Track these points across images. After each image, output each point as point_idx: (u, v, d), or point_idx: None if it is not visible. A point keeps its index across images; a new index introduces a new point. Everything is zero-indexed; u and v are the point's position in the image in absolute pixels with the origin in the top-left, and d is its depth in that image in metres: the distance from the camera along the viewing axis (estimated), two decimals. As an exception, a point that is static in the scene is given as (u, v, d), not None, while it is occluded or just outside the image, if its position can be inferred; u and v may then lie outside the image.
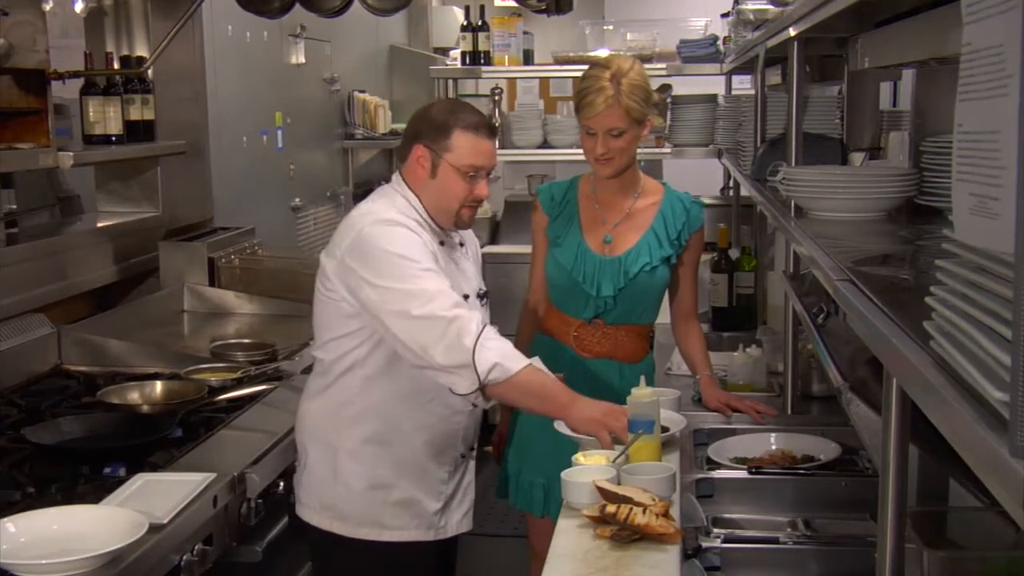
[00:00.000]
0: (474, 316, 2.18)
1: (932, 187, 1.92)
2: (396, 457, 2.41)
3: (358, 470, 2.40)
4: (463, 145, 2.31)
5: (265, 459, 2.51)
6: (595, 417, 2.22)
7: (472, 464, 2.54)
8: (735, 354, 3.07)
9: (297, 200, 5.20)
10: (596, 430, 2.21)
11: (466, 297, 2.35)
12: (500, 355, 2.16)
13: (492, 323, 2.28)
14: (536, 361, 2.26)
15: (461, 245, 2.48)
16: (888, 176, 2.01)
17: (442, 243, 2.38)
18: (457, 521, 2.52)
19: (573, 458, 2.18)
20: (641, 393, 2.21)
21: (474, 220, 2.45)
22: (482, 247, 2.75)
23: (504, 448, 2.87)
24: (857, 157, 2.58)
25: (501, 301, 2.87)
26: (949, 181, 0.84)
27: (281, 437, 2.63)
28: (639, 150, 2.72)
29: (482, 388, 2.17)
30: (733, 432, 2.58)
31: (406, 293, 2.17)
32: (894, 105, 3.76)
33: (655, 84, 2.91)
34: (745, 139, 3.41)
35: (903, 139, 2.39)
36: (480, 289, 2.48)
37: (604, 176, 2.64)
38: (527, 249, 2.98)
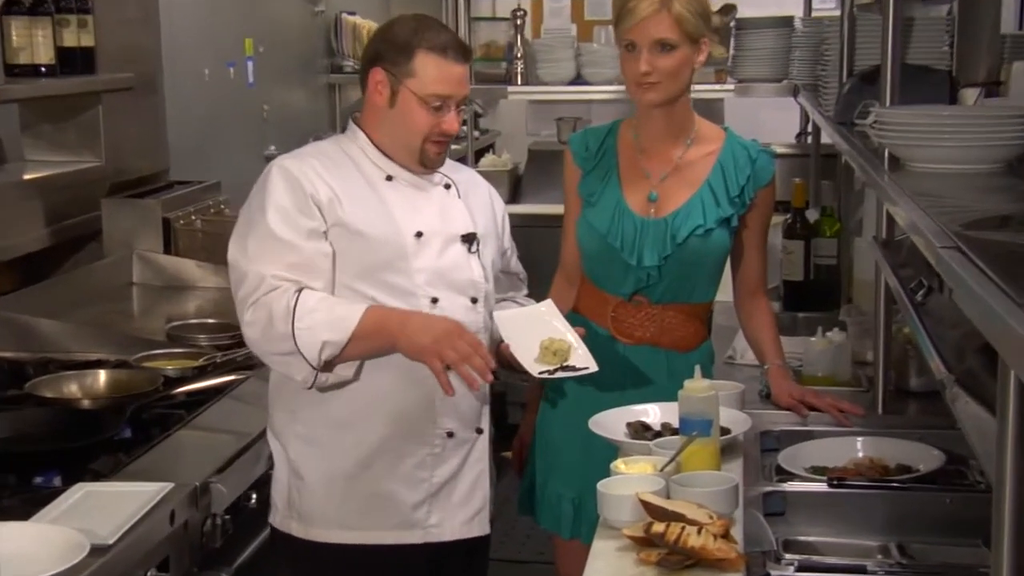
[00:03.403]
0: (284, 292, 2.35)
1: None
2: (357, 440, 2.48)
3: (314, 458, 2.49)
4: (427, 70, 2.40)
5: (234, 466, 2.53)
6: (423, 343, 2.32)
7: (480, 449, 2.58)
8: (813, 339, 3.06)
9: (272, 148, 5.21)
10: (427, 359, 2.32)
11: (419, 235, 2.46)
12: (327, 327, 2.33)
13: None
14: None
15: (447, 188, 2.56)
16: (1008, 118, 2.01)
17: (389, 178, 2.49)
18: (462, 522, 2.55)
19: (611, 465, 2.19)
20: (696, 387, 2.22)
21: (445, 158, 2.53)
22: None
23: (527, 455, 2.90)
24: (970, 94, 2.59)
25: (534, 276, 2.93)
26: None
27: (253, 439, 2.65)
28: (694, 87, 2.73)
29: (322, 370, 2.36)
30: (810, 435, 2.59)
31: (230, 265, 2.42)
32: (1020, 27, 3.69)
33: (716, 3, 2.88)
34: (828, 73, 3.40)
35: (1029, 71, 2.40)
36: (469, 231, 2.55)
37: (646, 103, 2.64)
38: (555, 209, 2.99)
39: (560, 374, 2.47)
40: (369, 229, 2.45)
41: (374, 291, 2.45)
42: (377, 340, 2.38)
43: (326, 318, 2.35)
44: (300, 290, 2.37)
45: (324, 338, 2.34)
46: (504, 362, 2.56)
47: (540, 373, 2.47)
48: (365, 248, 2.45)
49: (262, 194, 2.44)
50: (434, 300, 2.48)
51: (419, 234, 2.48)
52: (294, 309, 2.34)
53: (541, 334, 2.51)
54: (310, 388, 2.42)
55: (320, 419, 2.49)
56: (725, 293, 2.86)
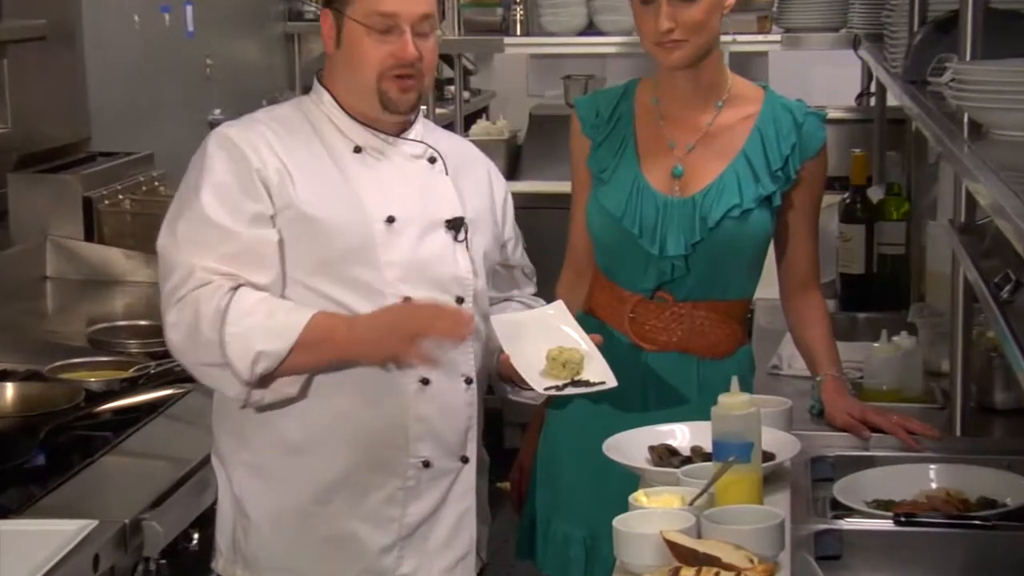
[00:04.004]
0: (216, 289, 2.37)
1: None
2: (312, 469, 2.50)
3: (261, 492, 2.51)
4: None
5: (171, 499, 2.54)
6: (372, 341, 2.40)
7: (465, 481, 2.59)
8: (876, 345, 3.06)
9: (217, 112, 5.20)
10: (388, 359, 2.41)
11: (391, 220, 2.48)
12: (263, 334, 2.37)
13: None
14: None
15: (432, 162, 2.58)
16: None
17: (357, 149, 2.52)
18: (441, 570, 2.57)
19: (631, 498, 2.19)
20: (732, 403, 2.21)
21: (415, 100, 2.53)
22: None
23: (528, 486, 2.89)
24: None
25: (541, 269, 2.94)
26: None
27: (195, 466, 2.66)
28: (727, 37, 2.79)
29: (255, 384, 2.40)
30: (871, 462, 2.59)
31: (158, 254, 2.46)
32: None
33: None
34: (895, 20, 3.38)
35: None
36: (455, 216, 2.56)
37: (671, 65, 2.66)
38: (562, 187, 3.01)
39: (570, 390, 2.48)
40: (328, 213, 2.46)
41: (333, 289, 2.46)
42: (324, 352, 2.42)
43: (263, 323, 2.37)
44: (236, 288, 2.39)
45: (259, 347, 2.36)
46: (505, 376, 2.58)
47: (547, 389, 2.48)
48: (323, 236, 2.46)
49: (198, 169, 2.47)
50: (406, 300, 2.49)
51: (391, 219, 2.49)
52: (225, 311, 2.36)
53: (548, 342, 2.52)
54: (243, 407, 2.45)
55: (270, 444, 2.51)
56: (768, 289, 2.86)
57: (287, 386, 2.44)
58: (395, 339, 2.38)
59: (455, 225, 2.57)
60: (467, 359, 2.55)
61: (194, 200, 2.43)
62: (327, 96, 2.54)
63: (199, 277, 2.39)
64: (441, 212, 2.56)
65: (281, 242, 2.46)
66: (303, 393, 2.47)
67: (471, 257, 2.58)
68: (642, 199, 2.70)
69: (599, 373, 2.49)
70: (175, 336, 2.42)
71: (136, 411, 2.94)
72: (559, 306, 2.63)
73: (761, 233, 2.72)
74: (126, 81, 4.59)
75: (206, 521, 2.63)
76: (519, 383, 2.54)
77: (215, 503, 2.61)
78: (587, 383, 2.48)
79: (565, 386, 2.48)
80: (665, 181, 2.71)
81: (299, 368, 2.42)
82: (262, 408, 2.46)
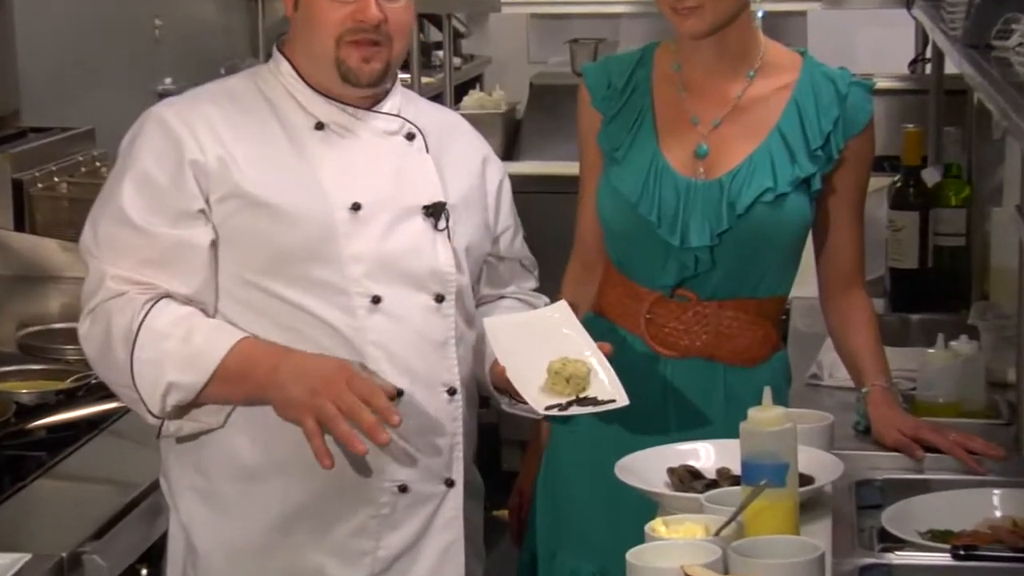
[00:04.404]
0: (129, 302, 2.40)
1: None
2: (271, 496, 2.50)
3: (212, 523, 2.53)
4: None
5: (116, 530, 2.53)
6: (294, 396, 2.36)
7: (451, 508, 2.59)
8: (931, 351, 3.06)
9: (168, 81, 5.20)
10: (298, 417, 2.36)
11: (356, 207, 2.48)
12: (177, 363, 2.39)
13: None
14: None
15: (410, 139, 2.59)
16: None
17: (320, 126, 2.53)
18: None
19: (647, 527, 2.16)
20: (765, 418, 2.20)
21: (379, 71, 2.52)
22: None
23: (529, 514, 2.90)
24: None
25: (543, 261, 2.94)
26: None
27: (143, 491, 2.66)
28: None
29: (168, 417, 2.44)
30: (926, 486, 2.58)
31: (80, 251, 2.52)
32: None
33: None
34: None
35: None
36: (435, 201, 2.57)
37: (686, 34, 2.68)
38: (568, 168, 3.03)
39: (575, 410, 2.48)
40: (282, 200, 2.47)
41: (290, 290, 2.47)
42: (243, 387, 2.43)
43: (178, 350, 2.39)
44: (154, 301, 2.41)
45: (170, 378, 2.39)
46: (500, 387, 2.58)
47: (548, 409, 2.48)
48: (276, 228, 2.46)
49: (125, 156, 2.50)
50: (375, 299, 2.49)
51: (356, 206, 2.50)
52: (137, 332, 2.39)
53: (550, 352, 2.52)
54: (158, 438, 2.50)
55: (222, 467, 2.52)
56: (806, 286, 2.88)
57: (208, 416, 2.47)
58: (310, 406, 2.35)
59: (434, 211, 2.56)
60: (448, 365, 2.56)
61: (116, 193, 2.46)
62: (286, 65, 2.55)
63: (109, 288, 2.42)
64: (418, 197, 2.56)
65: (216, 242, 2.47)
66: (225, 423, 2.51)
67: (453, 248, 2.58)
68: (661, 182, 2.70)
69: (608, 390, 2.49)
70: (88, 349, 2.46)
71: (74, 428, 2.93)
72: (562, 307, 2.63)
73: (798, 221, 2.72)
74: (61, 44, 4.58)
75: (156, 555, 2.63)
76: (516, 398, 2.54)
77: (166, 534, 2.61)
78: (594, 401, 2.48)
79: (569, 404, 2.47)
80: (687, 161, 2.72)
81: (218, 400, 2.45)
82: (182, 439, 2.49)
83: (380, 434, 2.33)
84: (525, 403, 2.50)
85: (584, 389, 2.49)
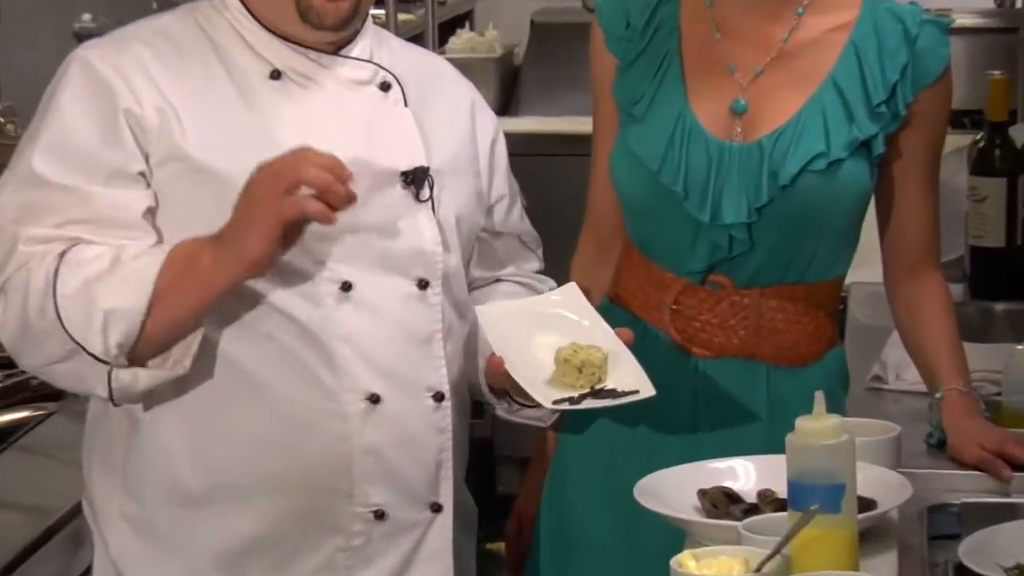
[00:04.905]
0: (43, 257, 2.39)
1: None
2: (219, 525, 2.51)
3: (147, 556, 2.53)
4: None
5: (30, 563, 2.55)
6: (239, 228, 2.35)
7: (438, 538, 2.59)
8: (1020, 347, 3.04)
9: (87, 17, 5.16)
10: (265, 246, 2.35)
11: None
12: (111, 285, 2.37)
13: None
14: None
15: (384, 89, 2.59)
16: None
17: (276, 75, 2.52)
18: None
19: (674, 562, 2.11)
20: (816, 428, 2.17)
21: (349, 12, 2.51)
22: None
23: (530, 544, 2.90)
24: None
25: (549, 237, 2.95)
26: None
27: (62, 517, 2.67)
28: None
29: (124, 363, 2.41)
30: (1013, 512, 2.58)
31: None
32: None
33: None
34: None
35: None
36: (416, 165, 2.57)
37: None
38: (578, 125, 3.09)
39: (590, 403, 2.47)
40: (231, 164, 2.44)
41: None
42: (194, 290, 2.40)
43: (108, 273, 2.39)
44: (73, 244, 2.41)
45: (107, 306, 2.37)
46: (497, 387, 2.58)
47: (557, 403, 2.47)
48: (224, 198, 2.41)
49: (45, 108, 2.49)
50: (345, 286, 2.49)
51: None
52: (56, 270, 2.37)
53: (557, 338, 2.52)
54: (118, 404, 2.46)
55: (160, 490, 2.52)
56: (867, 269, 2.92)
57: (175, 361, 2.44)
58: (267, 204, 2.33)
59: (416, 178, 2.56)
60: (434, 365, 2.56)
61: (30, 152, 2.46)
62: (235, 1, 2.55)
63: (22, 253, 2.40)
64: (395, 160, 2.55)
65: (154, 210, 2.47)
66: (205, 410, 2.49)
67: (439, 223, 2.58)
68: (689, 144, 2.70)
69: (629, 379, 2.48)
70: (6, 335, 2.44)
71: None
72: (571, 289, 2.64)
73: (856, 193, 2.73)
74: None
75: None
76: (517, 396, 2.54)
77: (91, 569, 2.62)
78: (613, 393, 2.47)
79: (582, 397, 2.46)
80: (721, 119, 2.72)
81: (171, 326, 2.41)
82: (149, 406, 2.48)
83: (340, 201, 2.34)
84: (527, 403, 2.52)
85: (600, 380, 2.49)
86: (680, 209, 2.70)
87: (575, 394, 2.48)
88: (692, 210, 2.69)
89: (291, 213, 2.32)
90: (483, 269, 2.74)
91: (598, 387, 2.48)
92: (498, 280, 2.78)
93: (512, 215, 2.80)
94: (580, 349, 2.50)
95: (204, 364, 2.47)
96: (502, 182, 2.77)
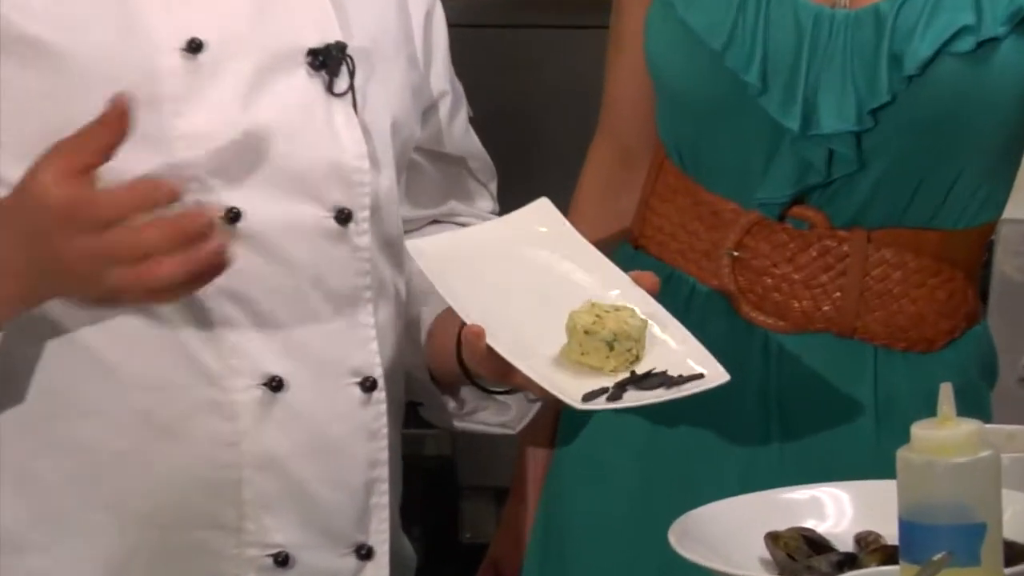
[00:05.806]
0: None
1: None
2: (51, 568, 2.25)
3: None
4: None
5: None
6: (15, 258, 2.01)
7: None
8: None
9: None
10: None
11: (195, 46, 2.13)
12: None
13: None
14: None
15: None
16: None
17: None
18: None
19: None
20: (942, 439, 1.80)
21: None
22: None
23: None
24: None
25: (514, 165, 2.62)
26: None
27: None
28: None
29: None
30: None
31: None
32: None
33: None
34: None
35: None
36: (329, 42, 2.20)
37: None
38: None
39: (637, 396, 2.08)
40: (76, 40, 2.16)
41: None
42: None
43: None
44: None
45: None
46: (472, 369, 2.23)
47: (588, 399, 2.04)
48: (66, 83, 2.15)
49: None
50: (233, 215, 2.12)
51: (195, 45, 2.16)
52: None
53: (547, 293, 2.16)
54: None
55: None
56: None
57: None
58: (66, 257, 1.96)
59: (328, 59, 2.22)
60: (361, 337, 2.21)
61: None
62: None
63: None
64: (300, 35, 2.22)
65: None
66: (25, 409, 2.19)
67: (364, 126, 2.21)
68: (770, 10, 2.33)
69: (678, 356, 2.09)
70: None
71: None
72: (544, 207, 2.26)
73: (1019, 88, 2.33)
74: None
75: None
76: (496, 385, 2.21)
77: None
78: (667, 378, 2.04)
79: (622, 388, 2.02)
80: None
81: None
82: None
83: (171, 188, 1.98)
84: (518, 393, 2.22)
85: (638, 359, 2.07)
86: (754, 109, 2.33)
87: (608, 383, 2.04)
88: (772, 110, 2.31)
89: (117, 295, 2.01)
90: (415, 207, 2.42)
91: (639, 372, 2.05)
92: (434, 222, 2.47)
93: (455, 126, 2.50)
94: (605, 313, 2.08)
95: (24, 343, 2.17)
96: (442, 74, 2.46)
